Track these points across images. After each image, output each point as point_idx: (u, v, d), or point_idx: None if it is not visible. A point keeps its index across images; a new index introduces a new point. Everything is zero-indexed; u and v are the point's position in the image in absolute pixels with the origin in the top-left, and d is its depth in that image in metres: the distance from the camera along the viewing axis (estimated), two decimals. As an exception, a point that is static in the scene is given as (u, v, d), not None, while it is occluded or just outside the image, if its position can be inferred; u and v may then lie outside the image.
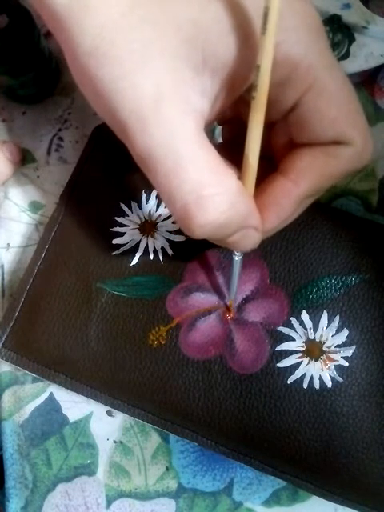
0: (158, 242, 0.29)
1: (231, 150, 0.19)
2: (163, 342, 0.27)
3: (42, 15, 0.17)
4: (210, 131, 0.33)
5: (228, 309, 0.28)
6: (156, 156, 0.16)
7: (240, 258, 0.24)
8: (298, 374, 0.27)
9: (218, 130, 0.32)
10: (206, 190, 0.17)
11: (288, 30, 0.17)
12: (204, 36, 0.16)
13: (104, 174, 0.30)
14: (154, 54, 0.16)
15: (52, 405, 0.30)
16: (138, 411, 0.28)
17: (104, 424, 0.30)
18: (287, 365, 0.27)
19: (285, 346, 0.27)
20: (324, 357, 0.27)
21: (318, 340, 0.27)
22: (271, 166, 0.21)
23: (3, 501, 0.29)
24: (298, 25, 0.17)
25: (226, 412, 0.27)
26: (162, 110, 0.16)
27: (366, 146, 0.19)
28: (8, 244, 0.32)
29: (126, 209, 0.29)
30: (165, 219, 0.29)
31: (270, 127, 0.21)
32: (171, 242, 0.29)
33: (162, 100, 0.16)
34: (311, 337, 0.27)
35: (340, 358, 0.27)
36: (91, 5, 0.15)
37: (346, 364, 0.27)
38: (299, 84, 0.18)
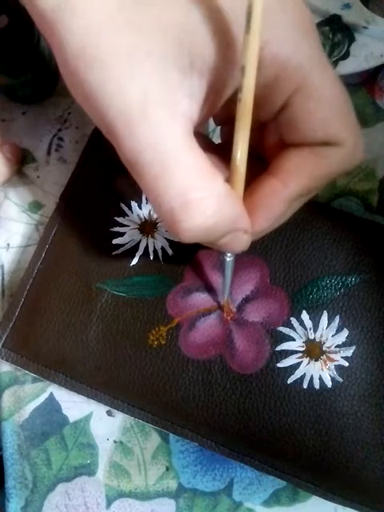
0: (158, 241, 0.29)
1: (230, 151, 0.19)
2: (163, 342, 0.27)
3: (32, 16, 0.17)
4: (210, 132, 0.33)
5: (222, 310, 0.28)
6: (143, 160, 0.16)
7: (231, 259, 0.23)
8: (298, 374, 0.27)
9: (218, 130, 0.32)
10: (193, 195, 0.16)
11: (275, 28, 0.16)
12: (190, 38, 0.16)
13: (104, 174, 0.30)
14: (141, 57, 0.16)
15: (52, 405, 0.30)
16: (138, 411, 0.28)
17: (104, 424, 0.30)
18: (287, 365, 0.27)
19: (285, 346, 0.27)
20: (324, 357, 0.27)
21: (318, 340, 0.27)
22: (263, 165, 0.21)
23: (3, 501, 0.29)
24: (287, 22, 0.17)
25: (226, 412, 0.27)
26: (149, 114, 0.16)
27: (357, 147, 0.19)
28: (8, 244, 0.32)
29: (125, 209, 0.29)
30: (165, 219, 0.29)
31: (261, 127, 0.21)
32: (171, 242, 0.29)
33: (149, 104, 0.16)
34: (311, 337, 0.27)
35: (340, 358, 0.27)
36: (78, 7, 0.15)
37: (346, 364, 0.27)
38: (288, 83, 0.17)
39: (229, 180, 0.19)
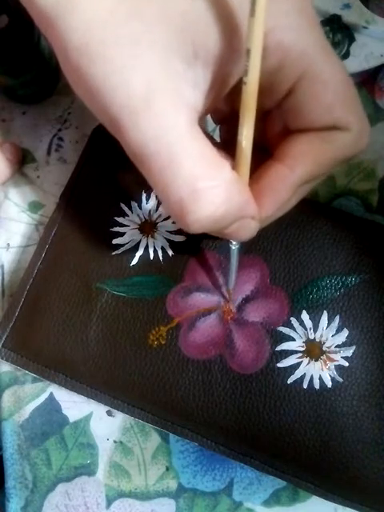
0: (158, 241, 0.29)
1: (230, 149, 0.19)
2: (163, 342, 0.27)
3: (32, 15, 0.17)
4: (210, 132, 0.33)
5: (227, 300, 0.28)
6: (149, 151, 0.16)
7: (237, 247, 0.23)
8: (298, 374, 0.27)
9: (217, 129, 0.32)
10: (201, 184, 0.16)
11: (279, 15, 0.16)
12: (194, 27, 0.16)
13: (104, 174, 0.30)
14: (144, 48, 0.15)
15: (52, 405, 0.30)
16: (138, 411, 0.28)
17: (104, 424, 0.30)
18: (287, 365, 0.27)
19: (285, 346, 0.27)
20: (324, 357, 0.27)
21: (318, 340, 0.27)
22: (266, 155, 0.21)
23: (3, 501, 0.29)
24: (290, 9, 0.17)
25: (226, 412, 0.27)
26: (153, 105, 0.16)
27: (363, 131, 0.19)
28: (8, 244, 0.32)
29: (125, 209, 0.29)
30: (165, 219, 0.29)
31: (264, 117, 0.21)
32: (171, 242, 0.29)
33: (153, 95, 0.16)
34: (311, 337, 0.27)
35: (340, 358, 0.27)
36: (77, 2, 0.15)
37: (346, 364, 0.27)
38: (293, 70, 0.17)
39: (234, 167, 0.19)
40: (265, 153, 0.21)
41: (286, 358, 0.27)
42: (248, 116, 0.18)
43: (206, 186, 0.16)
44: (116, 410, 0.28)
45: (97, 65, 0.15)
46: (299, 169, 0.19)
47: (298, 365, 0.27)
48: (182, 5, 0.16)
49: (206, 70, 0.17)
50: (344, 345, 0.27)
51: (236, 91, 0.18)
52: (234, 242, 0.23)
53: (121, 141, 0.17)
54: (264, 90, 0.18)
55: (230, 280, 0.27)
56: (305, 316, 0.27)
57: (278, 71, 0.18)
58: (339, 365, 0.27)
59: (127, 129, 0.16)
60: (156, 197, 0.29)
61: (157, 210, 0.29)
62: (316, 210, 0.29)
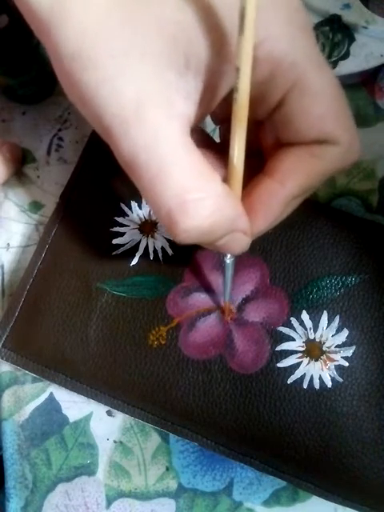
0: (158, 242, 0.29)
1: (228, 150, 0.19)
2: (163, 342, 0.27)
3: (27, 19, 0.17)
4: (210, 132, 0.33)
5: (223, 311, 0.28)
6: (140, 161, 0.16)
7: (231, 260, 0.23)
8: (298, 374, 0.27)
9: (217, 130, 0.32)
10: (190, 195, 0.16)
11: (270, 25, 0.16)
12: (186, 37, 0.16)
13: (104, 174, 0.30)
14: (136, 57, 0.15)
15: (52, 405, 0.30)
16: (138, 411, 0.28)
17: (104, 424, 0.30)
18: (287, 365, 0.27)
19: (285, 346, 0.27)
20: (324, 357, 0.27)
21: (317, 340, 0.27)
22: (261, 162, 0.21)
23: (3, 501, 0.29)
24: (281, 19, 0.17)
25: (226, 412, 0.27)
26: (144, 115, 0.16)
27: (353, 146, 0.19)
28: (8, 244, 0.32)
29: (125, 209, 0.29)
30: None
31: (258, 125, 0.21)
32: (171, 242, 0.29)
33: (144, 104, 0.16)
34: (311, 337, 0.27)
35: (340, 358, 0.27)
36: (71, 9, 0.15)
37: (346, 364, 0.27)
38: (283, 81, 0.17)
39: (226, 181, 0.19)
40: (260, 159, 0.21)
41: (285, 357, 0.27)
42: (239, 132, 0.17)
43: (194, 198, 0.16)
44: (116, 410, 0.28)
45: (89, 73, 0.15)
46: (290, 184, 0.19)
47: (298, 365, 0.27)
48: (174, 15, 0.16)
49: (198, 80, 0.17)
50: (344, 345, 0.27)
51: (231, 96, 0.18)
52: (228, 256, 0.23)
53: (112, 149, 0.17)
54: (255, 101, 0.18)
55: (225, 293, 0.27)
56: (305, 316, 0.27)
57: (269, 82, 0.17)
58: (339, 365, 0.27)
59: (118, 138, 0.16)
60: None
61: (157, 210, 0.29)
62: (316, 210, 0.29)
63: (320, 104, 0.18)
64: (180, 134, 0.16)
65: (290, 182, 0.19)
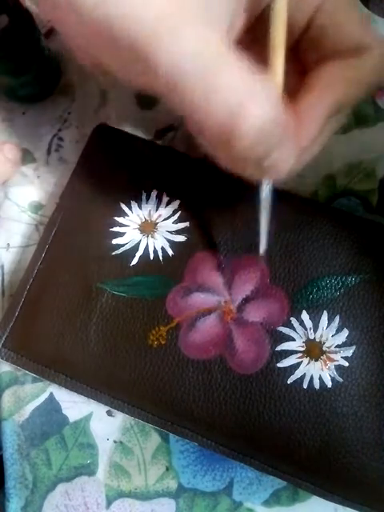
0: (158, 241, 0.29)
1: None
2: (163, 342, 0.27)
3: None
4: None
5: (261, 259, 0.26)
6: (183, 71, 0.16)
7: (269, 192, 0.22)
8: (298, 373, 0.27)
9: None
10: (245, 97, 0.16)
11: None
12: None
13: (104, 174, 0.30)
14: None
15: (52, 405, 0.30)
16: (138, 411, 0.28)
17: (104, 424, 0.30)
18: (287, 365, 0.27)
19: (285, 345, 0.27)
20: (324, 357, 0.27)
21: (318, 340, 0.27)
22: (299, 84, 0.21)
23: (3, 501, 0.29)
24: None
25: (226, 412, 0.27)
26: (185, 24, 0.15)
27: None
28: (8, 244, 0.32)
29: (126, 209, 0.29)
30: (165, 219, 0.29)
31: (295, 46, 0.21)
32: (171, 242, 0.29)
33: (184, 14, 0.15)
34: (311, 337, 0.27)
35: (340, 358, 0.27)
36: None
37: (346, 364, 0.27)
38: None
39: None
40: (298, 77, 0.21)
41: (285, 357, 0.27)
42: (278, 41, 0.18)
43: (254, 92, 0.16)
44: (116, 410, 0.28)
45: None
46: (329, 96, 0.19)
47: (298, 365, 0.27)
48: None
49: None
50: (344, 345, 0.27)
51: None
52: (267, 187, 0.22)
53: (149, 74, 0.16)
54: (291, 13, 0.18)
55: (261, 240, 0.25)
56: (305, 316, 0.27)
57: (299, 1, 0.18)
58: (339, 365, 0.27)
59: (157, 52, 0.16)
60: (156, 197, 0.29)
61: (157, 209, 0.29)
62: (316, 210, 0.29)
63: (348, 15, 0.19)
64: (222, 41, 0.16)
65: (329, 93, 0.19)
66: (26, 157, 0.33)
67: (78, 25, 0.16)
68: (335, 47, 0.20)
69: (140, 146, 0.31)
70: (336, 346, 0.27)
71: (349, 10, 0.19)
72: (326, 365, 0.27)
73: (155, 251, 0.29)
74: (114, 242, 0.29)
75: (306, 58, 0.21)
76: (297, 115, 0.19)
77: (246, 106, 0.16)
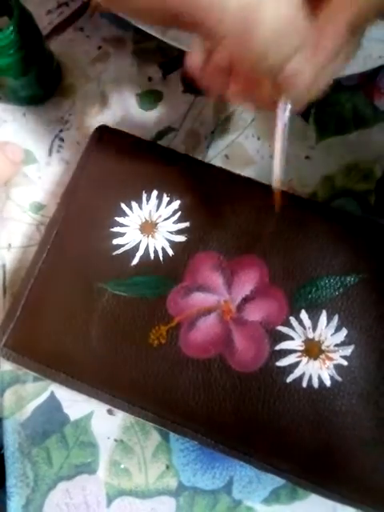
0: (159, 242, 0.29)
1: None
2: (163, 342, 0.28)
3: None
4: (209, 135, 0.33)
5: (276, 192, 0.24)
6: None
7: (287, 116, 0.21)
8: (297, 372, 0.27)
9: (218, 130, 0.33)
10: None
11: None
12: None
13: (104, 175, 0.30)
14: None
15: (53, 403, 0.30)
16: (139, 410, 0.28)
17: (105, 423, 0.30)
18: (286, 364, 0.27)
19: (284, 345, 0.27)
20: (323, 356, 0.27)
21: (317, 339, 0.27)
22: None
23: (4, 499, 0.29)
24: None
25: (226, 411, 0.27)
26: None
27: None
28: (9, 244, 0.32)
29: (126, 209, 0.30)
30: (165, 219, 0.29)
31: None
32: (171, 242, 0.29)
33: None
34: (310, 336, 0.27)
35: (339, 357, 0.27)
36: None
37: (345, 363, 0.27)
38: None
39: None
40: None
41: (285, 357, 0.27)
42: None
43: None
44: (117, 409, 0.28)
45: None
46: (348, 9, 0.19)
47: (297, 364, 0.27)
48: None
49: None
50: (343, 344, 0.27)
51: None
52: (287, 108, 0.21)
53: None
54: None
55: (275, 167, 0.22)
56: (304, 315, 0.28)
57: None
58: (338, 364, 0.27)
59: None
60: (156, 197, 0.30)
61: (157, 210, 0.30)
62: (315, 210, 0.29)
63: None
64: None
65: (348, 6, 0.19)
66: (28, 157, 0.33)
67: None
68: None
69: (140, 147, 0.31)
70: (335, 345, 0.27)
71: None
72: (324, 364, 0.27)
73: (155, 251, 0.29)
74: (115, 242, 0.29)
75: None
76: (316, 29, 0.19)
77: (263, 2, 0.16)
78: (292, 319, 0.28)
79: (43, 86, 0.32)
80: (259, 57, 0.18)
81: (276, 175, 0.23)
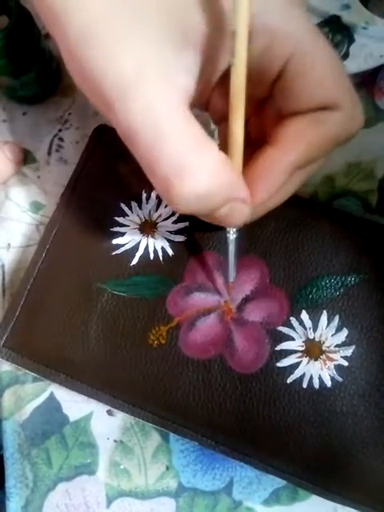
0: (158, 241, 0.29)
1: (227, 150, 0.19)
2: (163, 342, 0.28)
3: (35, 5, 0.17)
4: (208, 133, 0.33)
5: (228, 294, 0.27)
6: (137, 129, 0.17)
7: (235, 236, 0.23)
8: (297, 373, 0.27)
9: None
10: (186, 161, 0.17)
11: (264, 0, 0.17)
12: (183, 10, 0.16)
13: (104, 174, 0.30)
14: (136, 33, 0.16)
15: (52, 404, 0.30)
16: (138, 411, 0.28)
17: (104, 423, 0.30)
18: (287, 364, 0.27)
19: (284, 345, 0.27)
20: (323, 356, 0.27)
21: (317, 340, 0.27)
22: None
23: (4, 500, 0.29)
24: None
25: (226, 411, 0.27)
26: (143, 85, 0.16)
27: (355, 110, 0.19)
28: (9, 244, 0.32)
29: (126, 209, 0.29)
30: (165, 219, 0.29)
31: (259, 107, 0.21)
32: (171, 242, 0.29)
33: (143, 75, 0.16)
34: (311, 336, 0.27)
35: (339, 358, 0.27)
36: None
37: (346, 363, 0.27)
38: (280, 52, 0.18)
39: (227, 152, 0.19)
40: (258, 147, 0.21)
41: (285, 357, 0.27)
42: (238, 99, 0.18)
43: (190, 163, 0.17)
44: (116, 410, 0.28)
45: (92, 49, 0.16)
46: (292, 151, 0.19)
47: (297, 364, 0.27)
48: None
49: (197, 54, 0.17)
50: (343, 344, 0.27)
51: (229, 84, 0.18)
52: (232, 231, 0.23)
53: (113, 123, 0.18)
54: (254, 75, 0.18)
55: (229, 273, 0.26)
56: (304, 316, 0.27)
57: (267, 53, 0.18)
58: (339, 364, 0.27)
59: (118, 108, 0.17)
60: (156, 197, 0.30)
61: (157, 209, 0.29)
62: (316, 210, 0.29)
63: (319, 69, 0.18)
64: (177, 105, 0.17)
65: (292, 149, 0.19)
66: (27, 157, 0.33)
67: (63, 41, 0.17)
68: (302, 103, 0.19)
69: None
70: (335, 346, 0.27)
71: (323, 63, 0.18)
72: (325, 364, 0.27)
73: (155, 251, 0.29)
74: (114, 241, 0.29)
75: (268, 118, 0.21)
76: (254, 169, 0.20)
77: (183, 175, 0.17)
78: (292, 319, 0.27)
79: (43, 85, 0.32)
80: (186, 209, 0.18)
81: (231, 277, 0.26)
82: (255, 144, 0.20)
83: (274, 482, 0.29)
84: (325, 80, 0.18)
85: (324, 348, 0.27)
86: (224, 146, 0.19)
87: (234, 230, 0.23)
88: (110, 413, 0.30)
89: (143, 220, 0.29)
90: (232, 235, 0.23)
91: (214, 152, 0.18)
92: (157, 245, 0.29)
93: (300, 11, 0.18)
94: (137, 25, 0.16)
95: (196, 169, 0.17)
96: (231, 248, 0.24)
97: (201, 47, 0.17)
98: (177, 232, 0.29)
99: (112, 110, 0.17)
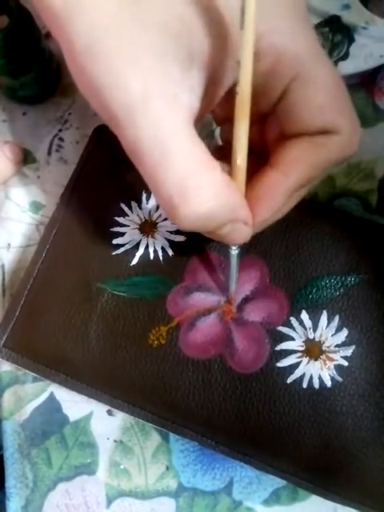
0: (158, 241, 0.29)
1: (229, 150, 0.19)
2: (163, 342, 0.28)
3: (42, 16, 0.17)
4: (209, 133, 0.33)
5: (229, 302, 0.28)
6: (143, 148, 0.17)
7: (237, 251, 0.24)
8: (297, 373, 0.27)
9: (218, 130, 0.33)
10: (190, 182, 0.17)
11: (272, 18, 0.17)
12: (189, 31, 0.17)
13: (104, 174, 0.30)
14: (142, 52, 0.16)
15: (52, 404, 0.30)
16: (138, 411, 0.28)
17: (104, 423, 0.30)
18: (287, 364, 0.27)
19: (284, 345, 0.27)
20: (323, 356, 0.27)
21: (317, 340, 0.27)
22: (264, 161, 0.21)
23: (4, 500, 0.29)
24: (283, 13, 0.17)
25: (226, 411, 0.27)
26: (149, 105, 0.16)
27: (354, 134, 0.19)
28: (9, 244, 0.32)
29: (126, 209, 0.29)
30: (165, 219, 0.29)
31: (262, 120, 0.21)
32: (171, 242, 0.29)
33: (149, 96, 0.16)
34: (311, 336, 0.27)
35: (339, 358, 0.27)
36: (84, 5, 0.16)
37: (346, 363, 0.27)
38: (285, 73, 0.18)
39: (230, 173, 0.19)
40: (264, 159, 0.21)
41: (285, 357, 0.27)
42: (242, 124, 0.18)
43: (194, 185, 0.17)
44: (116, 410, 0.28)
45: (99, 65, 0.16)
46: (294, 174, 0.19)
47: (297, 364, 0.27)
48: (178, 9, 0.16)
49: (202, 74, 0.17)
50: (343, 344, 0.27)
51: (233, 94, 0.18)
52: (234, 247, 0.23)
53: (119, 138, 0.18)
54: (258, 93, 0.18)
55: (231, 284, 0.27)
56: (304, 316, 0.27)
57: (271, 74, 0.18)
58: (339, 364, 0.27)
59: (124, 127, 0.17)
60: (156, 197, 0.30)
61: (157, 209, 0.29)
62: (316, 210, 0.29)
63: (322, 94, 0.18)
64: (183, 125, 0.17)
65: (294, 171, 0.19)
66: (27, 157, 0.33)
67: (68, 56, 0.17)
68: (304, 126, 0.19)
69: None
70: (335, 346, 0.27)
71: (326, 88, 0.18)
72: (325, 364, 0.27)
73: (155, 251, 0.29)
74: (114, 241, 0.29)
75: (269, 134, 0.21)
76: (256, 190, 0.20)
77: (187, 195, 0.17)
78: (292, 319, 0.27)
79: (43, 85, 0.32)
80: (190, 227, 0.18)
81: (232, 289, 0.27)
82: (254, 151, 0.20)
83: (274, 482, 0.29)
84: (326, 104, 0.18)
85: (324, 348, 0.27)
86: (226, 146, 0.19)
87: (234, 247, 0.23)
88: (109, 413, 0.30)
89: (143, 220, 0.29)
90: (234, 251, 0.24)
91: (217, 173, 0.18)
92: (157, 245, 0.29)
93: (308, 31, 0.18)
94: (144, 43, 0.16)
95: (200, 191, 0.17)
96: (233, 262, 0.25)
97: (206, 68, 0.17)
98: (177, 232, 0.29)
99: (118, 126, 0.17)
